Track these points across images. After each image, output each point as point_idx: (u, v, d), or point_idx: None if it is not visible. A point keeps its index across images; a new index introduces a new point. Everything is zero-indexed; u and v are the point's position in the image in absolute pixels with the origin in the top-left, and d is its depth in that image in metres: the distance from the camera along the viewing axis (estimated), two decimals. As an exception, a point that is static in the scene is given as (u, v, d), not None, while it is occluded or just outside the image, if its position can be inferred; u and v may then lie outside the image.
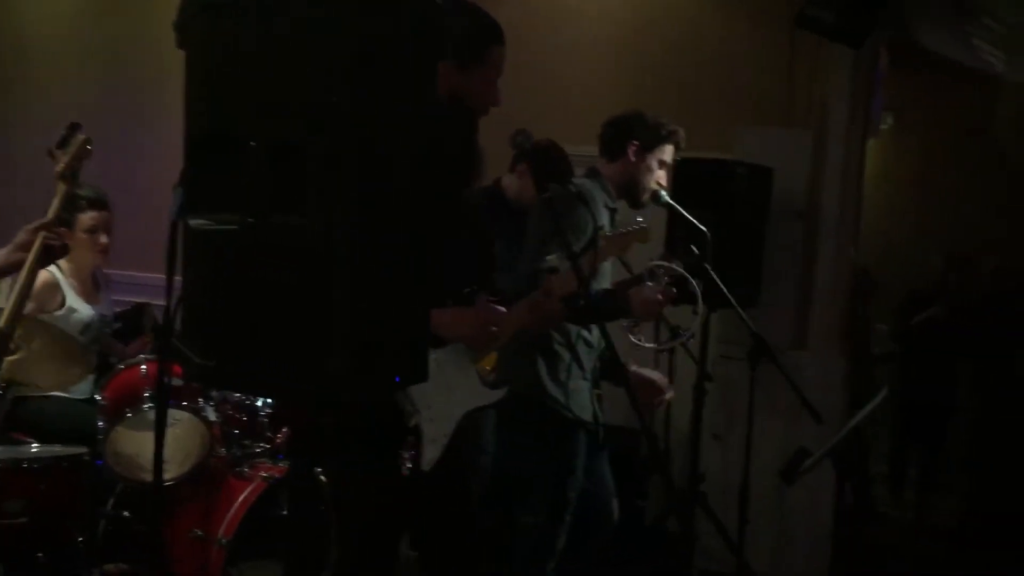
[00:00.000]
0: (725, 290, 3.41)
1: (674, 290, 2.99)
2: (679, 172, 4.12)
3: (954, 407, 5.79)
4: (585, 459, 3.18)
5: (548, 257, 2.85)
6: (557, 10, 5.22)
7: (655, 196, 3.25)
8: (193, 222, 1.42)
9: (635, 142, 3.17)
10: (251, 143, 1.27)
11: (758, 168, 4.34)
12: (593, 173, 3.26)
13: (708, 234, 3.34)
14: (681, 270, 3.02)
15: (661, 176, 3.23)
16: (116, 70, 5.66)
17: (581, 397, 3.15)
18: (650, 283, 2.98)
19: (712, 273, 3.35)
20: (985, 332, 5.34)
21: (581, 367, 3.15)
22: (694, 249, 3.33)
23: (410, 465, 2.26)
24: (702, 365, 3.81)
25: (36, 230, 2.59)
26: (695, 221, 3.35)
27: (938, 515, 5.87)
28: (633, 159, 3.18)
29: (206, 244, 1.41)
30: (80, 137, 2.65)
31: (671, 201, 3.34)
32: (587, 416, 3.17)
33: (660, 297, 2.96)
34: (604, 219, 3.16)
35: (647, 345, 3.24)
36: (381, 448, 2.20)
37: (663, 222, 3.89)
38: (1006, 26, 4.44)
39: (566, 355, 3.12)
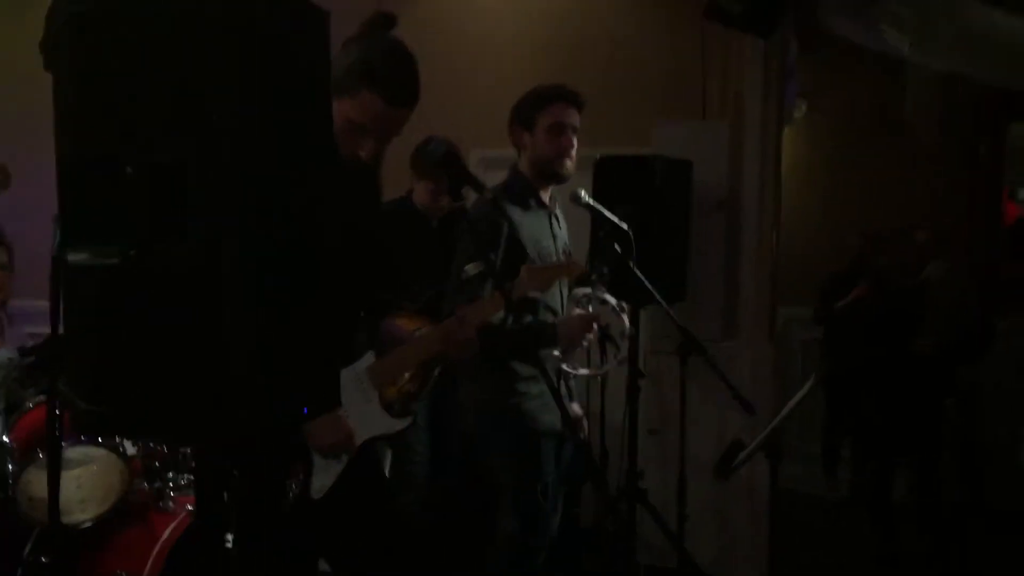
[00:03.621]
0: (650, 287, 3.38)
1: (598, 316, 2.96)
2: (598, 170, 4.10)
3: (881, 385, 5.85)
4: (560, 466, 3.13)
5: (467, 267, 2.78)
6: (467, 8, 5.16)
7: (574, 197, 3.21)
8: (72, 257, 1.32)
9: (518, 125, 3.13)
10: (127, 167, 1.18)
11: (677, 162, 4.34)
12: (511, 172, 3.21)
13: (630, 232, 3.30)
14: (606, 295, 2.98)
15: (562, 141, 3.10)
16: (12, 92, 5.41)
17: (545, 402, 3.05)
18: (578, 310, 2.95)
19: (636, 271, 3.32)
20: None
21: (544, 372, 3.08)
22: (617, 248, 3.29)
23: (296, 491, 2.14)
24: (633, 362, 3.78)
25: None
26: (616, 219, 3.31)
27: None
28: (529, 142, 3.12)
29: (88, 279, 1.31)
30: None
31: (591, 201, 3.30)
32: (555, 423, 3.05)
33: (586, 324, 2.92)
34: (535, 221, 3.10)
35: (581, 372, 3.20)
36: (263, 473, 2.08)
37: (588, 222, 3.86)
38: (910, 9, 4.50)
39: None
